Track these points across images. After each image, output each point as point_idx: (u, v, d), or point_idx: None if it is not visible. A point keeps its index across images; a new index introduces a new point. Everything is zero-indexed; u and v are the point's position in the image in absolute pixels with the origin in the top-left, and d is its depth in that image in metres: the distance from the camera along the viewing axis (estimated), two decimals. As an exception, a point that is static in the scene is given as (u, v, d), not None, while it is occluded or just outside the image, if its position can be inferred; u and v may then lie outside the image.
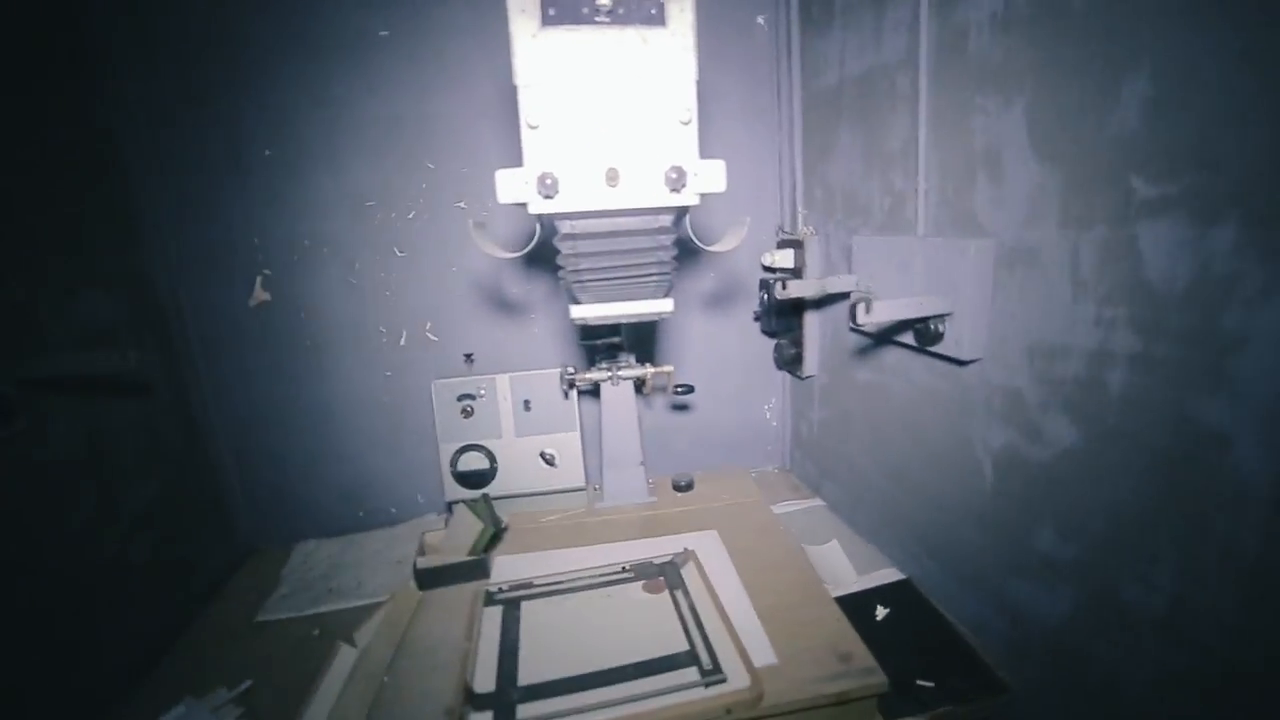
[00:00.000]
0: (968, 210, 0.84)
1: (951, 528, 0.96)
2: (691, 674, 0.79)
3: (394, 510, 1.40)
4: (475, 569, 1.06)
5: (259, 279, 1.28)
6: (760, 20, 1.31)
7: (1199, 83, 0.56)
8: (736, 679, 0.78)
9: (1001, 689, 0.83)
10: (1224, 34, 0.54)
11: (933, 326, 0.88)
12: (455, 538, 1.11)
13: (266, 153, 1.23)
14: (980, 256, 0.81)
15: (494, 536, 1.14)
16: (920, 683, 0.84)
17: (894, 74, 0.96)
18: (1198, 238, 0.58)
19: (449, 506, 1.29)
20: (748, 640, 0.85)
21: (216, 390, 1.30)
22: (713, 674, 0.79)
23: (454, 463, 1.28)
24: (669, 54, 0.68)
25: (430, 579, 1.05)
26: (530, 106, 0.68)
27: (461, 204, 1.30)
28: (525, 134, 0.69)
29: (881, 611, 0.98)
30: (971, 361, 0.86)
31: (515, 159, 0.71)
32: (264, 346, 1.30)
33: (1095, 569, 0.72)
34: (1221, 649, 0.60)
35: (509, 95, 1.22)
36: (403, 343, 1.34)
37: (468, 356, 1.35)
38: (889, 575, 1.07)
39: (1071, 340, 0.71)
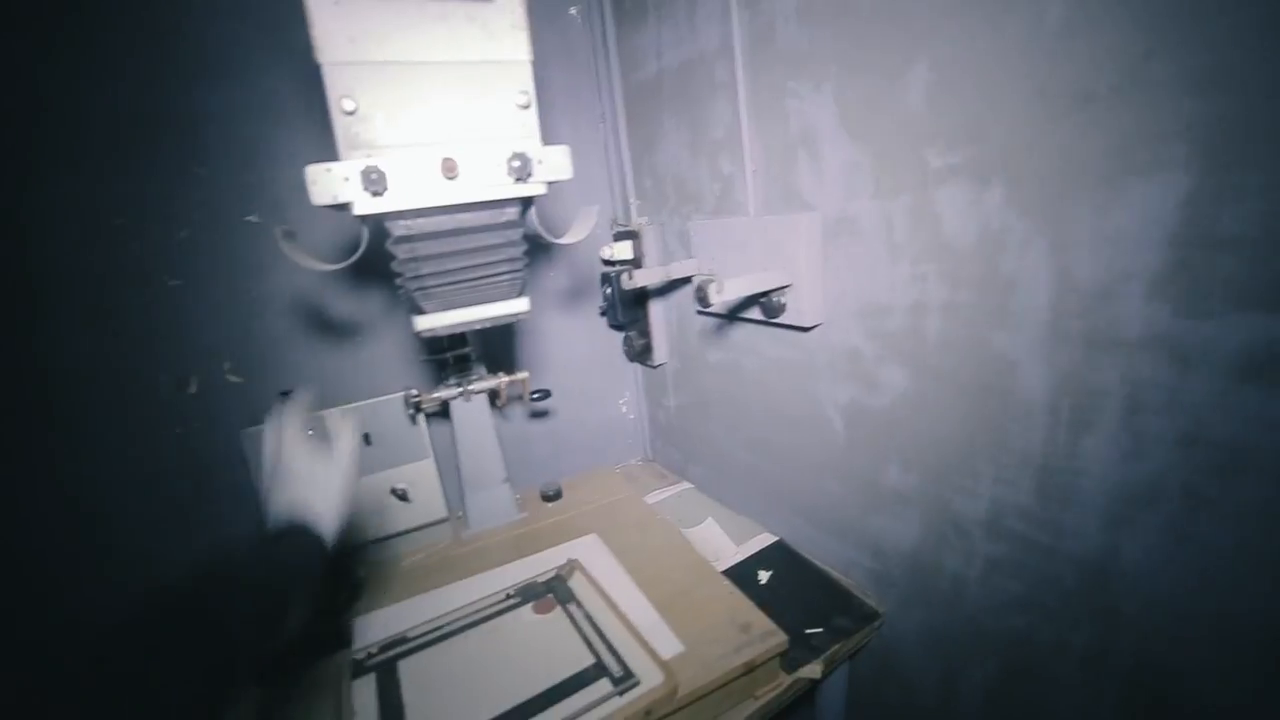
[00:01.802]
0: (793, 188, 0.92)
1: (812, 484, 1.04)
2: (604, 686, 0.76)
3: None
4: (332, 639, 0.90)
5: (-51, 339, 0.95)
6: (573, 11, 1.29)
7: (963, 71, 0.67)
8: (650, 678, 0.76)
9: (875, 616, 0.93)
10: (976, 33, 0.64)
11: (775, 299, 0.94)
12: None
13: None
14: (810, 230, 0.88)
15: (350, 596, 0.98)
16: (809, 631, 0.90)
17: (711, 64, 1.00)
18: (977, 200, 0.69)
19: (284, 573, 1.09)
20: (651, 635, 0.84)
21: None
22: (625, 680, 0.76)
23: (284, 520, 1.08)
24: (500, 32, 0.63)
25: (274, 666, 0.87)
26: (342, 87, 0.59)
27: (253, 217, 1.09)
28: (339, 121, 0.60)
29: (764, 575, 1.03)
30: (813, 327, 0.94)
31: (315, 162, 0.60)
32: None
33: (933, 492, 0.83)
34: (1025, 533, 0.72)
35: (300, 88, 1.05)
36: (193, 390, 1.09)
37: (285, 395, 1.14)
38: (764, 540, 1.13)
39: (894, 297, 0.81)
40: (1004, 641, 0.78)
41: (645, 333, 1.41)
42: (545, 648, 0.84)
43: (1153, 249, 0.55)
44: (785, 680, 0.85)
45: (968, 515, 0.79)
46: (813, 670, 0.86)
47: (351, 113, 0.60)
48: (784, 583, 1.01)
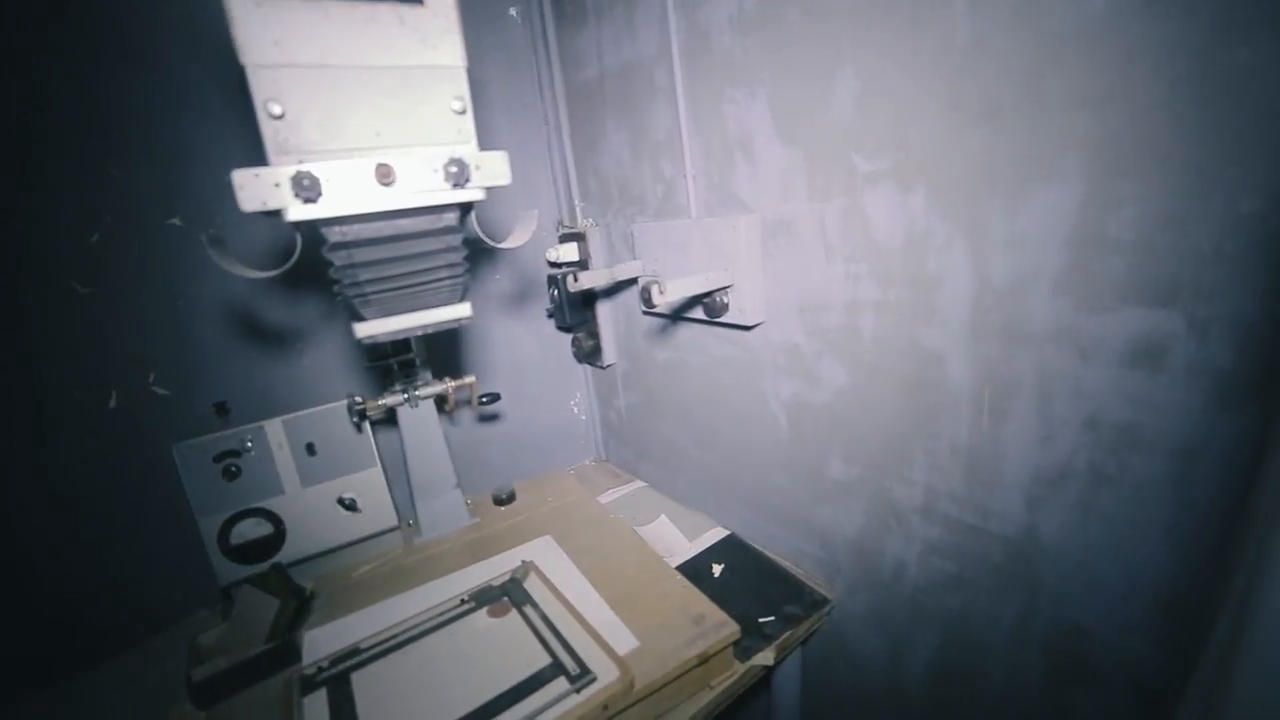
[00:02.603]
0: (732, 191, 0.94)
1: (760, 478, 1.08)
2: (561, 684, 0.76)
3: (139, 626, 1.08)
4: (280, 656, 0.87)
5: None
6: (513, 12, 1.28)
7: (885, 82, 0.70)
8: (606, 674, 0.77)
9: (824, 602, 0.97)
10: (895, 46, 0.68)
11: (718, 299, 0.97)
12: (243, 628, 0.90)
13: None
14: (749, 231, 0.91)
15: (298, 610, 0.95)
16: (762, 620, 0.93)
17: (651, 68, 1.02)
18: (902, 203, 0.73)
19: (226, 593, 1.04)
20: (607, 633, 0.85)
21: None
22: (581, 677, 0.77)
23: (223, 537, 1.04)
24: (432, 36, 0.62)
25: (214, 690, 0.83)
26: (269, 90, 0.57)
27: (176, 220, 1.04)
28: (267, 125, 0.58)
29: (717, 568, 1.06)
30: (755, 326, 0.97)
31: (244, 162, 0.58)
32: None
33: (873, 481, 0.87)
34: (957, 516, 0.77)
35: (223, 82, 1.02)
36: (113, 404, 1.03)
37: (220, 406, 1.10)
38: (716, 534, 1.16)
39: (830, 296, 0.84)
40: (942, 618, 0.83)
41: (594, 334, 1.42)
42: (502, 650, 0.84)
43: (1055, 250, 0.60)
44: (739, 668, 0.87)
45: (905, 502, 0.83)
46: (765, 657, 0.89)
47: (279, 117, 0.58)
48: (736, 574, 1.04)
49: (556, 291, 1.37)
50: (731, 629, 0.86)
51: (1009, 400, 0.68)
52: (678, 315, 1.12)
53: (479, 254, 0.79)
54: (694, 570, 1.04)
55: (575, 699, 0.74)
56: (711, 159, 0.96)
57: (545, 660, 0.81)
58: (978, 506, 0.75)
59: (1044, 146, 0.58)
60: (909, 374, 0.78)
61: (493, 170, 0.68)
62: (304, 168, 0.59)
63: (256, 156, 0.59)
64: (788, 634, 0.91)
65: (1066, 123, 0.56)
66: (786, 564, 1.06)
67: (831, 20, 0.73)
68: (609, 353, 1.41)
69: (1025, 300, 0.64)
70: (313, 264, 0.71)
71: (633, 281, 1.24)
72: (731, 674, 0.87)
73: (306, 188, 0.59)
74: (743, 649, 0.88)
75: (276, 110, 0.58)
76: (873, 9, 0.69)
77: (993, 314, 0.67)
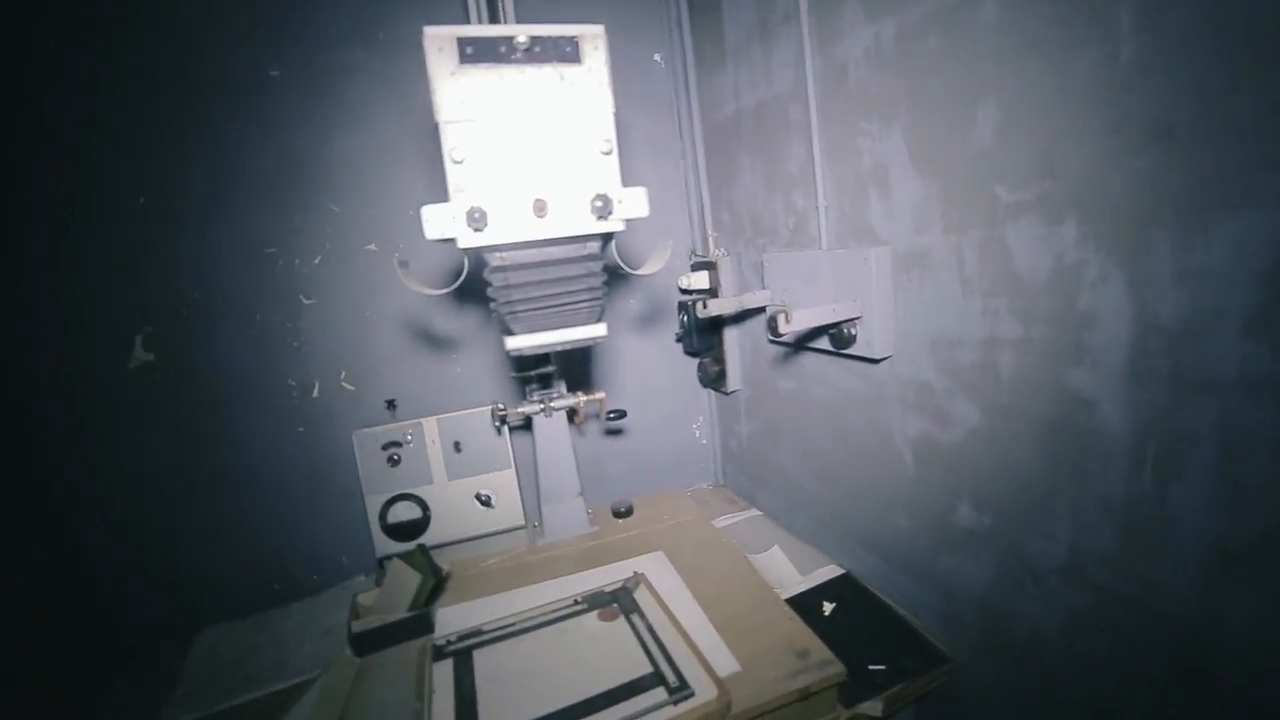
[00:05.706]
0: (864, 223, 0.94)
1: (882, 518, 1.03)
2: (659, 694, 0.79)
3: (316, 577, 1.29)
4: (418, 625, 1.00)
5: (139, 338, 1.16)
6: (657, 58, 1.39)
7: (1032, 110, 0.67)
8: (704, 691, 0.78)
9: (943, 660, 0.90)
10: (1044, 72, 0.65)
11: (845, 330, 0.96)
12: (392, 595, 1.04)
13: (141, 200, 1.14)
14: (880, 263, 0.89)
15: (435, 588, 1.08)
16: (872, 667, 0.89)
17: (786, 105, 1.05)
18: (1050, 234, 0.68)
19: (381, 564, 1.21)
20: (709, 652, 0.86)
21: (90, 465, 1.15)
22: (680, 690, 0.79)
23: (383, 515, 1.20)
24: (587, 89, 0.71)
25: (369, 642, 0.97)
26: (454, 142, 0.69)
27: (372, 246, 1.25)
28: (450, 169, 0.70)
29: (828, 606, 1.03)
30: (883, 359, 0.94)
31: (424, 200, 0.71)
32: (150, 412, 1.17)
33: (1007, 533, 0.80)
34: (1109, 584, 0.68)
35: (416, 135, 1.22)
36: (315, 395, 1.26)
37: (390, 403, 1.29)
38: (830, 572, 1.12)
39: (965, 331, 0.80)
40: (1086, 703, 0.73)
41: (719, 360, 1.45)
42: (607, 652, 0.89)
43: (1245, 286, 0.53)
44: (843, 714, 0.84)
45: (1044, 561, 0.76)
46: (872, 708, 0.84)
47: (460, 162, 0.70)
48: (848, 616, 1.00)
49: (686, 317, 1.42)
50: (836, 669, 0.83)
51: (1178, 456, 0.60)
52: (804, 345, 1.11)
53: (614, 278, 0.86)
54: (804, 605, 1.02)
55: (672, 710, 0.76)
56: (844, 191, 0.97)
57: (647, 668, 0.84)
58: (1137, 576, 0.66)
59: (1234, 169, 0.52)
60: (1052, 418, 0.71)
61: (633, 204, 0.75)
62: (476, 203, 0.70)
63: (431, 195, 0.72)
64: (900, 687, 0.86)
65: (1266, 140, 0.50)
66: (904, 612, 0.99)
67: (975, 47, 0.72)
68: (734, 379, 1.43)
69: (1203, 342, 0.57)
70: (473, 285, 0.82)
71: (761, 310, 1.26)
72: (833, 717, 0.84)
73: (477, 220, 0.70)
74: (848, 694, 0.85)
75: (459, 158, 0.70)
76: (1021, 33, 0.67)
77: (1159, 357, 0.60)
